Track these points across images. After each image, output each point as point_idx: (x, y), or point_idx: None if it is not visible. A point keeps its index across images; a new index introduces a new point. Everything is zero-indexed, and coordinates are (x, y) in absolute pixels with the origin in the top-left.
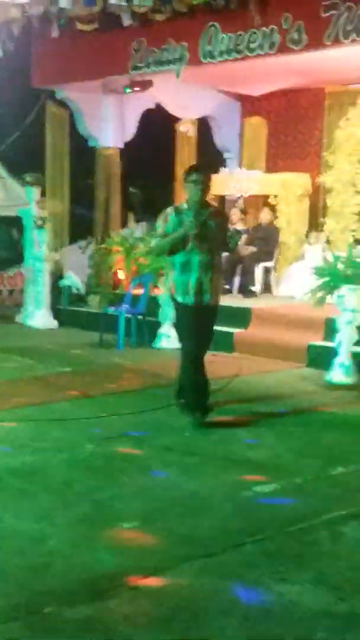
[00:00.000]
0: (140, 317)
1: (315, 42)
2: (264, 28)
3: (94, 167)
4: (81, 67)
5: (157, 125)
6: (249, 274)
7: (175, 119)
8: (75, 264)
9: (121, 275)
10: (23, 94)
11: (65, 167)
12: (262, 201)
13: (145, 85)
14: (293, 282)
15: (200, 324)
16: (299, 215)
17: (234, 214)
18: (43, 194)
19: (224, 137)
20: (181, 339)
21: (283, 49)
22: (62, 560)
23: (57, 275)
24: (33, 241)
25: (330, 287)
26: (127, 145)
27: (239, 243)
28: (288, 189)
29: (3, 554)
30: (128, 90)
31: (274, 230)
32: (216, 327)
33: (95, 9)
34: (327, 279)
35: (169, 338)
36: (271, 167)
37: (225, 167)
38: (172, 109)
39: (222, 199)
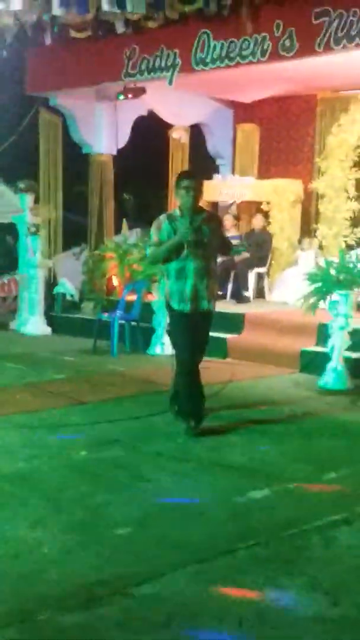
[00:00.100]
0: (134, 323)
1: (307, 49)
2: (256, 35)
3: (88, 174)
4: (74, 74)
5: (150, 132)
6: (242, 280)
7: (168, 126)
8: (69, 270)
9: (115, 281)
10: (16, 101)
11: (58, 174)
12: (255, 207)
13: (138, 92)
14: (286, 287)
15: (196, 331)
16: (291, 221)
17: (227, 220)
18: (37, 200)
19: (216, 144)
20: (176, 347)
21: (275, 56)
22: (55, 567)
23: (51, 282)
24: (27, 248)
25: (322, 293)
26: (121, 152)
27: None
28: (280, 195)
29: None
30: (121, 97)
31: (267, 236)
32: (210, 333)
33: (89, 16)
34: (319, 284)
35: (162, 344)
36: (264, 174)
37: (218, 173)
38: (164, 115)
39: (215, 205)
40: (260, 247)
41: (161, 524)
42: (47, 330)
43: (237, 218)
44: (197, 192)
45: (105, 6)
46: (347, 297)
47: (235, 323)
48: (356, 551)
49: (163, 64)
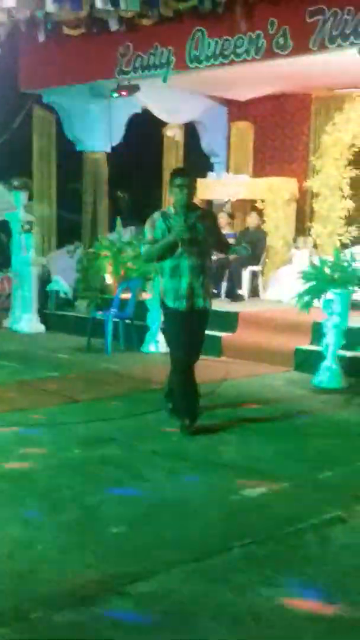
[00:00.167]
0: (128, 321)
1: (301, 47)
2: (250, 33)
3: (82, 172)
4: (68, 71)
5: (145, 130)
6: (236, 278)
7: (163, 124)
8: (62, 268)
9: (109, 279)
10: (10, 98)
11: (52, 171)
12: (250, 205)
13: (132, 89)
14: (281, 286)
15: (192, 330)
16: (286, 220)
17: (222, 218)
18: (30, 198)
19: (211, 142)
20: (170, 346)
21: (269, 54)
22: (50, 566)
23: (44, 280)
24: (20, 245)
25: (317, 291)
26: (115, 149)
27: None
28: (275, 193)
29: None
30: (115, 94)
31: (262, 234)
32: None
33: (82, 13)
34: (314, 283)
35: (157, 342)
36: (258, 172)
37: (212, 171)
38: (159, 113)
39: (209, 203)
40: (254, 245)
41: (156, 523)
42: (41, 328)
43: (231, 216)
44: (191, 189)
45: (98, 3)
46: (342, 295)
47: (229, 321)
48: (351, 550)
49: (157, 62)
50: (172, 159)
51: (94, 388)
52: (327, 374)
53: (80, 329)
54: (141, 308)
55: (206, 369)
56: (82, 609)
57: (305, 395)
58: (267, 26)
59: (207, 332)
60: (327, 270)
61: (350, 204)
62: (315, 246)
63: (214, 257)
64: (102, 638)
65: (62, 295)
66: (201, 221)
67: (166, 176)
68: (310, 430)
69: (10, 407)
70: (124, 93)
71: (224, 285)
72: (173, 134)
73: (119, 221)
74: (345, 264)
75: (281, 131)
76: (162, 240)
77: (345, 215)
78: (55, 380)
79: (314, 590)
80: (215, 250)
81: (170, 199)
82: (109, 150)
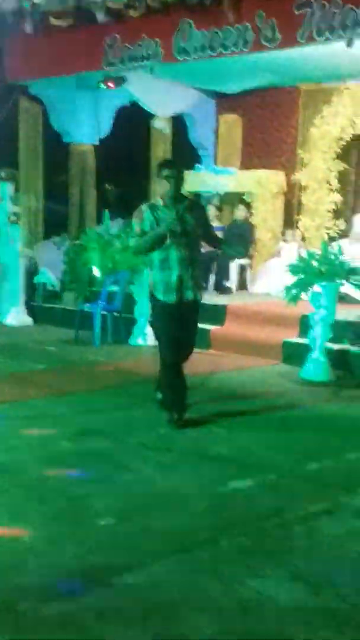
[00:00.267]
0: (116, 313)
1: (289, 40)
2: (238, 25)
3: (69, 163)
4: (55, 62)
5: (132, 122)
6: (225, 271)
7: (151, 116)
8: (50, 260)
9: (97, 272)
10: None
11: (39, 163)
12: (238, 198)
13: (119, 81)
14: (269, 279)
15: (182, 323)
16: (274, 213)
17: (210, 211)
18: (17, 189)
19: (199, 134)
20: (159, 340)
21: (257, 47)
22: (36, 557)
23: (31, 272)
24: (7, 237)
25: (304, 284)
26: (102, 141)
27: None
28: (263, 186)
29: None
30: (101, 85)
31: (250, 227)
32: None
33: (69, 4)
34: (301, 276)
35: (144, 335)
36: (246, 165)
37: (200, 164)
38: (146, 105)
39: (197, 196)
40: (242, 238)
41: (143, 515)
42: (28, 320)
43: (219, 209)
44: (179, 180)
45: None
46: (329, 288)
47: (218, 314)
48: (338, 541)
49: (144, 53)
50: (160, 151)
51: (81, 381)
52: (315, 366)
53: (68, 322)
54: (129, 300)
55: (194, 361)
56: (69, 600)
57: (292, 387)
58: (255, 18)
59: None
60: (314, 264)
61: (337, 197)
62: (303, 239)
63: (202, 250)
64: (90, 629)
65: (49, 287)
66: (190, 212)
67: (154, 169)
68: (298, 422)
69: None
70: (111, 84)
71: (212, 278)
72: (161, 126)
73: (106, 214)
74: (333, 257)
75: (269, 124)
76: (151, 232)
77: (333, 209)
78: (43, 373)
79: (300, 581)
80: (205, 242)
81: (158, 191)
82: (96, 142)
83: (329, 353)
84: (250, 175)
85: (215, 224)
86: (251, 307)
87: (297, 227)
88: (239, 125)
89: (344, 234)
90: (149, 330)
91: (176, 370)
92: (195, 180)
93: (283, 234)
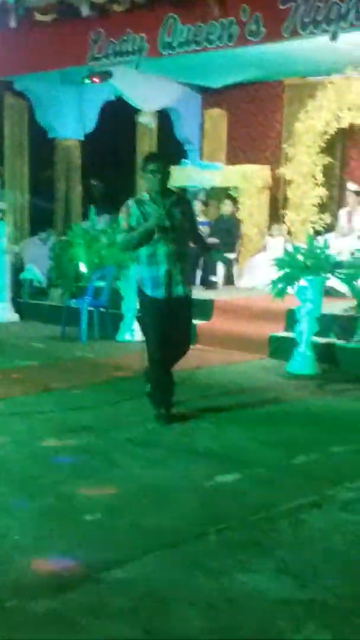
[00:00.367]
0: (102, 309)
1: (274, 34)
2: (223, 20)
3: (54, 159)
4: (40, 57)
5: (118, 117)
6: (211, 266)
7: (136, 111)
8: (36, 256)
9: (83, 267)
10: None
11: (24, 158)
12: (224, 193)
13: (104, 76)
14: (255, 273)
15: (173, 319)
16: (260, 207)
17: (196, 206)
18: (2, 185)
19: (184, 129)
20: (146, 336)
21: (242, 41)
22: (25, 553)
23: (17, 268)
24: None
25: (290, 279)
26: (88, 136)
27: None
28: (249, 181)
29: None
30: (86, 80)
31: (236, 222)
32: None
33: None
34: (287, 270)
35: (131, 331)
36: (232, 159)
37: (186, 159)
38: (132, 100)
39: (183, 190)
40: (228, 233)
41: (131, 510)
42: (15, 317)
43: (205, 204)
44: (165, 174)
45: None
46: (315, 282)
47: (204, 309)
48: (325, 534)
49: (130, 48)
50: (146, 146)
51: (68, 377)
52: (301, 360)
53: (55, 318)
54: (116, 296)
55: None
56: (57, 596)
57: (279, 381)
58: (240, 13)
59: None
60: (300, 258)
61: (323, 191)
62: (289, 233)
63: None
64: (79, 625)
65: (35, 283)
66: (177, 207)
67: (140, 164)
68: (285, 416)
69: None
70: (96, 79)
71: (199, 273)
72: (147, 121)
73: (92, 209)
74: (318, 251)
75: (254, 119)
76: (140, 227)
77: (318, 203)
78: (30, 369)
79: (287, 574)
80: (193, 243)
81: (143, 186)
82: (81, 137)
83: (315, 347)
84: (236, 170)
85: (201, 219)
86: (238, 301)
87: (283, 222)
88: (224, 120)
89: (329, 228)
90: (135, 325)
91: (162, 365)
92: (181, 175)
93: (269, 228)
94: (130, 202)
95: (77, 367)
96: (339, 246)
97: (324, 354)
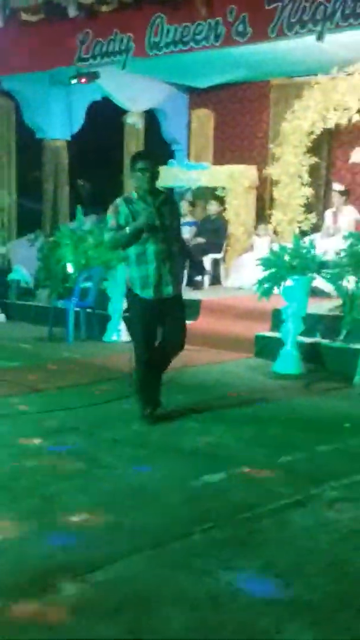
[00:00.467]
0: (89, 310)
1: (260, 34)
2: (210, 20)
3: (42, 159)
4: (27, 57)
5: (105, 117)
6: (198, 266)
7: (123, 111)
8: (23, 257)
9: (70, 268)
10: None
11: (12, 159)
12: (210, 193)
13: (91, 76)
14: (242, 273)
15: (163, 319)
16: (246, 207)
17: (183, 206)
18: None
19: (171, 129)
20: (133, 336)
21: (228, 41)
22: (9, 555)
23: (5, 269)
24: None
25: (277, 278)
26: (75, 137)
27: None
28: (236, 181)
29: None
30: (74, 81)
31: (223, 222)
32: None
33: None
34: (273, 270)
35: (118, 331)
36: (219, 159)
37: (173, 159)
38: (119, 101)
39: (170, 190)
40: (215, 233)
41: (116, 510)
42: (2, 317)
43: (192, 204)
44: (154, 173)
45: None
46: (301, 282)
47: (191, 309)
48: (309, 533)
49: (117, 48)
50: (133, 146)
51: (55, 377)
52: (287, 360)
53: (42, 319)
54: (103, 297)
55: None
56: (41, 597)
57: (265, 381)
58: (227, 13)
59: None
60: (286, 258)
61: (309, 191)
62: (275, 233)
63: None
64: (63, 626)
65: (23, 284)
66: (165, 206)
67: (127, 164)
68: (270, 415)
69: None
70: (83, 80)
71: (186, 274)
72: (133, 121)
73: (79, 209)
74: (304, 251)
75: (241, 119)
76: (129, 226)
77: (305, 203)
78: (17, 370)
79: (271, 573)
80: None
81: (132, 184)
82: (68, 137)
83: (301, 346)
84: (222, 169)
85: (188, 218)
86: (224, 301)
87: (270, 222)
88: (211, 120)
89: (315, 228)
90: (122, 326)
91: (149, 366)
92: (168, 175)
93: (256, 228)
94: (119, 200)
95: (64, 367)
96: (324, 246)
97: (309, 353)
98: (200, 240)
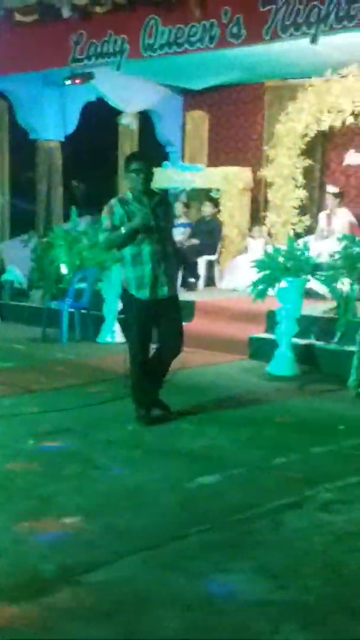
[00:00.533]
0: (83, 311)
1: (254, 36)
2: (204, 22)
3: (35, 160)
4: (21, 58)
5: (99, 118)
6: (192, 268)
7: (117, 112)
8: (17, 257)
9: (64, 269)
10: None
11: (5, 159)
12: (205, 195)
13: (86, 77)
14: (236, 275)
15: (159, 320)
16: (241, 209)
17: (177, 208)
18: None
19: (166, 131)
20: (128, 338)
21: (223, 43)
22: (3, 557)
23: None
24: None
25: (271, 280)
26: (69, 138)
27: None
28: (230, 182)
29: None
30: (68, 81)
31: (217, 223)
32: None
33: (35, 0)
34: (267, 272)
35: (112, 332)
36: (213, 161)
37: (167, 160)
38: (113, 102)
39: (165, 192)
40: (210, 234)
41: (111, 512)
42: None
43: (187, 206)
44: (148, 174)
45: None
46: (295, 284)
47: (186, 311)
48: (304, 534)
49: (111, 50)
50: (127, 147)
51: (49, 378)
52: (281, 361)
53: (36, 319)
54: (97, 298)
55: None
56: (36, 599)
57: (259, 383)
58: (221, 15)
59: None
60: (280, 259)
61: (303, 194)
62: (269, 235)
63: None
64: (57, 628)
65: (16, 285)
66: (160, 207)
67: (121, 165)
68: (265, 417)
69: None
70: (77, 81)
71: (180, 275)
72: (128, 122)
73: (74, 210)
74: (298, 252)
75: (235, 120)
76: (125, 226)
77: (299, 205)
78: (10, 371)
79: (267, 575)
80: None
81: (126, 185)
82: (62, 138)
83: (295, 348)
84: (217, 171)
85: (183, 220)
86: (219, 303)
87: (264, 223)
88: (206, 122)
89: (309, 230)
90: (117, 327)
91: (144, 368)
92: (163, 177)
93: (250, 230)
94: (114, 201)
95: (58, 368)
96: (318, 248)
97: (304, 355)
98: (195, 241)
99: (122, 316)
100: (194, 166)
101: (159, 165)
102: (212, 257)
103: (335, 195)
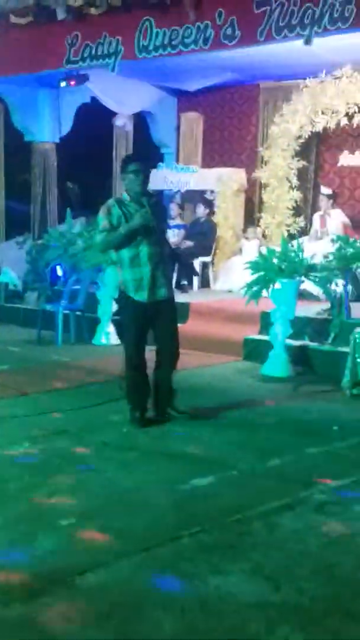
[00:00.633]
0: (78, 313)
1: (249, 38)
2: (198, 23)
3: (31, 162)
4: (16, 60)
5: (94, 120)
6: (187, 269)
7: (112, 114)
8: (12, 259)
9: (59, 271)
10: None
11: (0, 161)
12: (199, 196)
13: (81, 79)
14: (230, 276)
15: (157, 322)
16: (235, 210)
17: (172, 209)
18: None
19: (161, 132)
20: (123, 340)
21: (217, 45)
22: None
23: None
24: None
25: (265, 281)
26: (64, 139)
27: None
28: (225, 184)
29: None
30: (63, 83)
31: (211, 225)
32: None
33: (30, 2)
34: (262, 273)
35: (107, 334)
36: (208, 162)
37: (162, 161)
38: (108, 103)
39: (160, 193)
40: (204, 236)
41: (105, 514)
42: None
43: (181, 207)
44: (146, 175)
45: None
46: (289, 285)
47: (180, 312)
48: (298, 536)
49: (106, 51)
50: (122, 149)
51: (44, 380)
52: (275, 363)
53: (31, 321)
54: (92, 300)
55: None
56: (30, 602)
57: (254, 384)
58: (215, 16)
59: None
60: (274, 261)
61: (297, 195)
62: (264, 236)
63: None
64: (52, 630)
65: (11, 287)
66: (156, 208)
67: (116, 167)
68: (259, 419)
69: None
70: (72, 83)
71: (175, 277)
72: (122, 124)
73: (69, 212)
74: (293, 254)
75: (230, 122)
76: (124, 227)
77: (293, 206)
78: (5, 373)
79: (261, 577)
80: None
81: (123, 186)
82: (57, 140)
83: (289, 349)
84: (211, 173)
85: (177, 221)
86: (213, 304)
87: (258, 225)
88: (200, 123)
89: (303, 231)
90: (112, 329)
91: (139, 370)
92: (157, 178)
93: (244, 231)
94: (111, 201)
95: (53, 370)
96: (312, 249)
97: (298, 356)
98: (189, 243)
99: (117, 318)
100: (188, 167)
101: (153, 166)
102: (207, 259)
103: (329, 196)
